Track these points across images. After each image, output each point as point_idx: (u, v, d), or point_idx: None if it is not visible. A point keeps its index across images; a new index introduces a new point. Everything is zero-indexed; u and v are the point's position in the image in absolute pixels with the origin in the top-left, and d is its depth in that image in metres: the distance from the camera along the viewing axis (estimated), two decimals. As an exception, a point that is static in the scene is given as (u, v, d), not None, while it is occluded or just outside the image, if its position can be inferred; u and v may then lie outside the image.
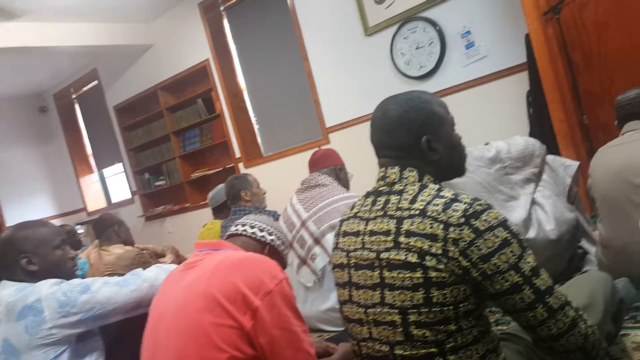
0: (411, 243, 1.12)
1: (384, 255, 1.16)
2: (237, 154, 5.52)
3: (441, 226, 1.10)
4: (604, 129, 3.14)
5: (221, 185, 3.38)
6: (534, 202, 2.35)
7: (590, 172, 2.16)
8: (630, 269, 1.93)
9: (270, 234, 1.53)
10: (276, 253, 1.54)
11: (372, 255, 1.19)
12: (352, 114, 4.50)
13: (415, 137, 1.22)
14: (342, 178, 2.63)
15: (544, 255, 2.23)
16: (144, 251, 2.64)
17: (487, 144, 2.55)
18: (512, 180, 2.42)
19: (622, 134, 2.10)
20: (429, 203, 1.14)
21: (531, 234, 2.24)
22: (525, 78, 3.52)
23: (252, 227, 1.52)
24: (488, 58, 3.78)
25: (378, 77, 4.27)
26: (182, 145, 6.08)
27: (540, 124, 3.38)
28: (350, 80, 4.46)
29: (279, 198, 3.76)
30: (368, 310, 1.20)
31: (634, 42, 3.13)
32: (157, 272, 1.66)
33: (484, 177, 2.39)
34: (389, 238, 1.16)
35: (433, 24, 3.94)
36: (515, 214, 2.26)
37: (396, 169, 1.24)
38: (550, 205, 2.33)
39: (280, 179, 4.89)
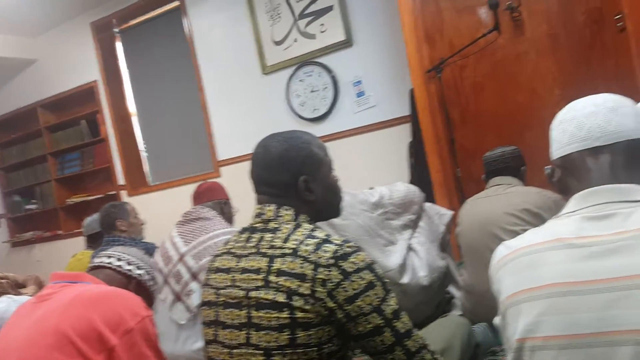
0: (280, 282, 1.11)
1: (253, 294, 1.14)
2: (121, 181, 5.26)
3: (311, 266, 1.11)
4: (475, 181, 3.39)
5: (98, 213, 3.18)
6: (409, 248, 2.46)
7: (458, 221, 2.30)
8: (490, 314, 2.05)
9: (138, 268, 1.45)
10: (143, 289, 1.45)
11: (242, 293, 1.17)
12: (245, 149, 4.49)
13: (294, 176, 1.24)
14: (226, 212, 2.59)
15: (415, 300, 2.32)
16: (3, 280, 2.38)
17: (371, 188, 2.65)
18: (392, 226, 2.51)
19: (488, 188, 2.28)
20: (301, 243, 1.15)
21: (405, 279, 2.33)
22: (408, 129, 3.75)
23: (119, 260, 1.44)
24: (377, 108, 3.98)
25: (273, 116, 4.32)
26: (59, 168, 5.68)
27: (419, 173, 3.58)
28: (245, 115, 4.47)
29: (163, 230, 3.60)
30: (233, 351, 1.16)
31: (505, 105, 3.45)
32: (8, 304, 1.51)
33: (367, 221, 2.46)
34: (260, 276, 1.15)
35: (328, 70, 4.09)
36: (392, 258, 2.35)
37: (272, 206, 1.24)
38: (424, 252, 2.44)
39: (165, 210, 4.71)
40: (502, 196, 2.15)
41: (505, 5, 3.32)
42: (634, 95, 2.01)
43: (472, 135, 3.52)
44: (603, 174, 0.92)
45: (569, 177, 0.97)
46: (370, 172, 3.90)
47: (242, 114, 4.48)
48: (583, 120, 0.95)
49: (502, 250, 1.00)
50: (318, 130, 4.08)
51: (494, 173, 2.28)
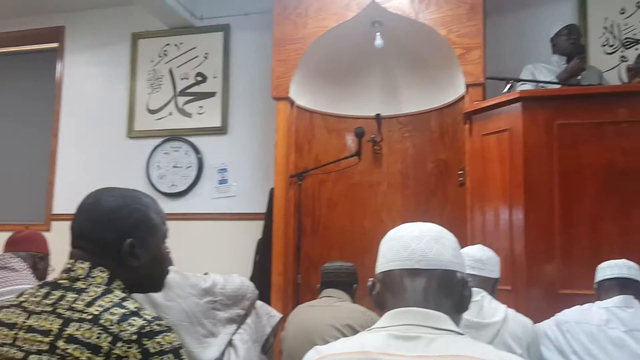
0: (69, 350, 0.98)
1: (33, 357, 1.00)
2: None
3: (109, 339, 1.00)
4: (312, 291, 3.43)
5: None
6: (230, 344, 2.35)
7: (285, 326, 2.29)
8: None
9: None
10: None
11: (20, 355, 1.01)
12: (86, 209, 4.18)
13: (120, 236, 1.15)
14: (40, 268, 2.32)
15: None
16: None
17: (206, 273, 2.55)
18: (217, 317, 2.41)
19: (320, 297, 2.32)
20: (106, 310, 1.04)
21: (219, 375, 2.21)
22: (260, 227, 3.76)
23: None
24: (236, 199, 3.99)
25: (126, 180, 4.09)
26: None
27: (261, 272, 3.56)
28: (97, 173, 4.19)
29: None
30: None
31: (353, 225, 3.64)
32: None
33: (192, 307, 2.34)
34: (47, 339, 1.01)
35: (196, 150, 4.06)
36: (209, 351, 2.23)
37: (86, 264, 1.13)
38: (244, 351, 2.35)
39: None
40: (330, 308, 2.20)
41: (369, 137, 3.62)
42: (463, 244, 2.23)
43: (319, 247, 3.62)
44: (417, 296, 0.97)
45: (387, 292, 1.02)
46: (214, 259, 3.81)
47: (94, 170, 4.21)
48: (409, 242, 1.02)
49: (312, 355, 0.99)
50: (170, 207, 3.95)
51: (329, 284, 2.34)
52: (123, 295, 1.11)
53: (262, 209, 3.79)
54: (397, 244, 1.03)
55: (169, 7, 3.93)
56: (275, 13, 3.51)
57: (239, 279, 2.58)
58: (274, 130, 3.50)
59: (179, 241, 3.92)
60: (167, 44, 4.26)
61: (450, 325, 0.95)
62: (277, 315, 2.69)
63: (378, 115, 3.69)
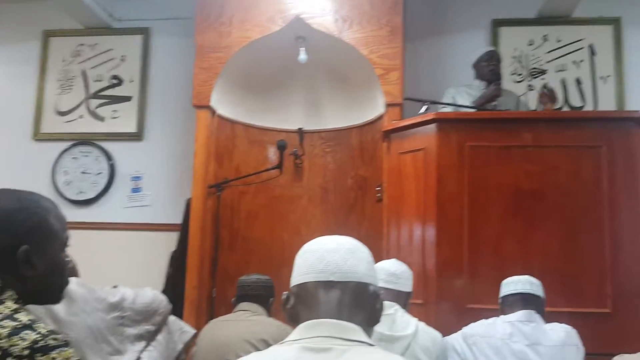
0: (-47, 368, 0.89)
1: None
2: None
3: (-1, 354, 0.91)
4: (227, 305, 3.35)
5: None
6: (137, 362, 2.24)
7: (197, 341, 2.21)
8: None
9: None
10: None
11: None
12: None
13: (14, 242, 1.05)
14: None
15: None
16: None
17: (115, 287, 2.42)
18: (125, 334, 2.28)
19: (235, 312, 2.27)
20: (-5, 323, 0.95)
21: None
22: (175, 238, 3.64)
23: None
24: (150, 208, 3.85)
25: (30, 186, 3.78)
26: None
27: (174, 285, 3.43)
28: (-4, 177, 3.91)
29: None
30: None
31: (272, 238, 3.61)
32: None
33: (97, 323, 2.20)
34: None
35: (108, 156, 3.89)
36: (114, 369, 2.11)
37: (-24, 273, 1.03)
38: (152, 368, 2.25)
39: None
40: (245, 322, 2.15)
41: (291, 151, 3.62)
42: (378, 259, 2.27)
43: (236, 259, 3.56)
44: (330, 308, 0.97)
45: (301, 305, 1.01)
46: (125, 271, 3.63)
47: (-6, 174, 3.91)
48: (324, 254, 1.02)
49: None
50: (77, 215, 3.75)
51: (244, 298, 2.29)
52: (15, 306, 1.02)
53: (177, 219, 3.67)
54: (312, 256, 1.03)
55: (86, 5, 3.76)
56: (198, 20, 3.45)
57: (151, 293, 2.47)
58: (193, 139, 3.41)
59: (87, 252, 3.71)
60: (81, 44, 4.07)
61: (362, 336, 0.96)
62: (190, 331, 2.60)
63: (300, 129, 3.70)
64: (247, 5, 3.42)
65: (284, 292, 1.07)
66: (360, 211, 3.58)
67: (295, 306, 1.03)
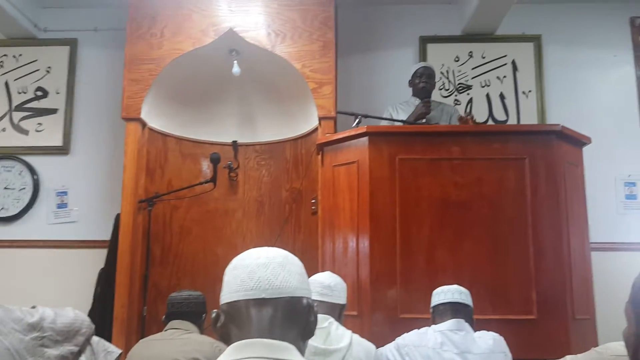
0: None
1: None
2: None
3: None
4: (159, 324, 3.25)
5: None
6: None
7: (125, 363, 2.12)
8: None
9: None
10: None
11: None
12: None
13: None
14: None
15: None
16: None
17: (34, 307, 2.30)
18: (46, 355, 2.15)
19: (165, 330, 2.20)
20: None
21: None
22: (103, 255, 3.50)
23: None
24: (77, 224, 3.71)
25: (-57, 203, 3.61)
26: None
27: (102, 304, 3.31)
28: None
29: None
30: None
31: (205, 253, 3.54)
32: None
33: (16, 344, 2.06)
34: None
35: (32, 171, 3.71)
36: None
37: None
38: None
39: None
40: (176, 341, 2.09)
41: (225, 164, 3.58)
42: (314, 271, 2.26)
43: (168, 276, 3.47)
44: (262, 327, 0.94)
45: (232, 324, 0.97)
46: (51, 291, 3.48)
47: None
48: (255, 269, 0.98)
49: None
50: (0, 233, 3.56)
51: (175, 315, 2.23)
52: None
53: (106, 236, 3.53)
54: (242, 272, 0.99)
55: (9, 15, 3.60)
56: (128, 31, 3.37)
57: (73, 313, 2.36)
58: (123, 153, 3.31)
59: (10, 271, 3.55)
60: (4, 55, 3.89)
61: (295, 355, 0.94)
62: (116, 351, 2.49)
63: (235, 142, 3.67)
64: (180, 17, 3.37)
65: (214, 310, 1.04)
66: (296, 224, 3.58)
67: (226, 325, 0.99)
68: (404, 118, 3.22)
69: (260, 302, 0.96)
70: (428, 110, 3.22)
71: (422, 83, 3.37)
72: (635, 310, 0.87)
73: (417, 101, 3.34)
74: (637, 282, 0.88)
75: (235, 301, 0.98)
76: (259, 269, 0.99)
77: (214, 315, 1.03)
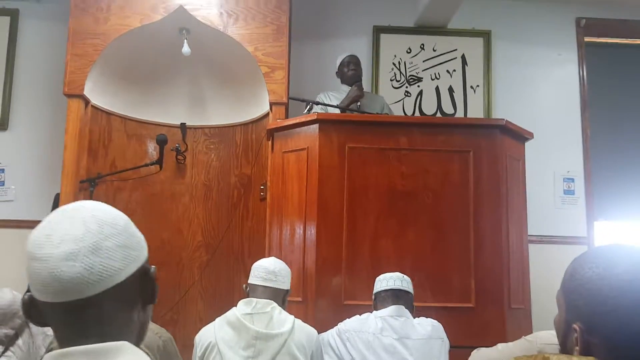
0: None
1: None
2: None
3: None
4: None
5: None
6: (-7, 368, 2.06)
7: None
8: None
9: None
10: None
11: None
12: None
13: None
14: None
15: None
16: None
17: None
18: (-20, 338, 2.10)
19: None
20: None
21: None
22: (42, 236, 3.38)
23: None
24: (14, 203, 3.58)
25: None
26: None
27: (39, 288, 3.18)
28: None
29: None
30: None
31: (151, 237, 3.19)
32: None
33: (-53, 328, 2.00)
34: None
35: (-34, 146, 3.52)
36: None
37: None
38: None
39: None
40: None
41: (173, 146, 3.50)
42: (260, 257, 2.25)
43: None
44: (74, 331, 0.78)
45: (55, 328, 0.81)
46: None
47: None
48: (58, 264, 0.75)
49: None
50: None
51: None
52: None
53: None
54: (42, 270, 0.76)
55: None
56: (72, 4, 3.23)
57: (10, 295, 2.29)
58: (64, 130, 3.18)
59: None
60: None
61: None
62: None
63: (183, 124, 3.60)
64: (128, -9, 3.25)
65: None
66: (244, 209, 3.55)
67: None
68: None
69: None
70: (362, 94, 3.26)
71: (351, 71, 3.44)
72: (566, 297, 0.90)
73: (347, 88, 3.37)
74: (569, 270, 0.91)
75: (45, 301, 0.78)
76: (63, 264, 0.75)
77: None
